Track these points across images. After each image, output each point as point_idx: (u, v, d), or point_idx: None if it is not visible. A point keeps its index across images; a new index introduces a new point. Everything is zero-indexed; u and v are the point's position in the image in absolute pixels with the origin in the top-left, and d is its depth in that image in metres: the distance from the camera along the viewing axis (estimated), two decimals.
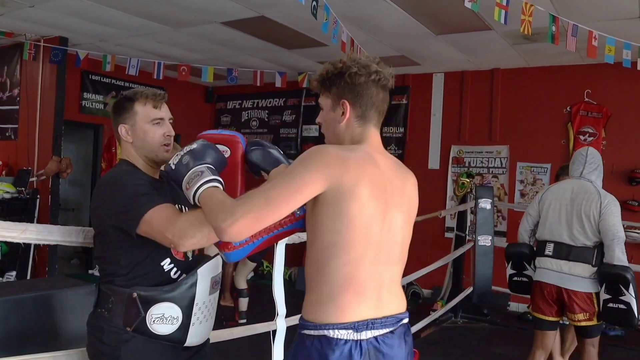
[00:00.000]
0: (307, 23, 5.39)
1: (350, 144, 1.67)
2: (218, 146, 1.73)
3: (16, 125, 7.03)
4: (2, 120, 7.22)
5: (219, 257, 1.91)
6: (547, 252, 3.74)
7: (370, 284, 1.59)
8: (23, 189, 6.44)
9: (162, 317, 1.75)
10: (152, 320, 1.75)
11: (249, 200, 1.50)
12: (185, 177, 1.63)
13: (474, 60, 6.85)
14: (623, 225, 6.23)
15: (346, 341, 1.55)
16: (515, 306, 6.98)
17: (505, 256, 4.18)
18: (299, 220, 1.73)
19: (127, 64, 6.76)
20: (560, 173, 4.48)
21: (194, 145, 1.70)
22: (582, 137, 6.67)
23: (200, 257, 1.92)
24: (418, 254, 7.24)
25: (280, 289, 2.86)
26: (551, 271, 3.69)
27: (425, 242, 7.43)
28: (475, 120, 7.34)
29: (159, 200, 1.73)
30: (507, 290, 6.55)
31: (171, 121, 1.98)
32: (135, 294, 1.75)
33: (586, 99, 6.69)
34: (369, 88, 1.67)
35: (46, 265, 6.54)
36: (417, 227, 6.37)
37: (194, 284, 1.80)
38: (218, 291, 1.95)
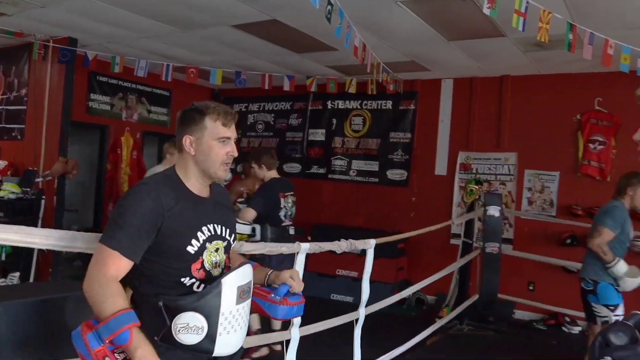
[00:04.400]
0: (319, 27, 5.37)
1: None
2: None
3: (23, 126, 7.00)
4: (9, 120, 7.19)
5: (246, 266, 1.92)
6: None
7: None
8: (28, 189, 6.39)
9: (187, 327, 1.74)
10: (178, 329, 1.75)
11: None
12: None
13: (484, 66, 6.82)
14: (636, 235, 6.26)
15: None
16: (520, 314, 6.94)
17: None
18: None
19: (136, 65, 6.73)
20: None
21: None
22: (591, 146, 6.64)
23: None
24: (424, 260, 7.26)
25: None
26: None
27: (430, 249, 7.41)
28: (483, 126, 7.30)
29: (119, 243, 1.74)
30: (513, 298, 6.60)
31: (235, 140, 1.99)
32: (160, 303, 1.76)
33: (597, 107, 6.66)
34: None
35: (50, 266, 6.50)
36: (423, 234, 6.33)
37: (219, 294, 1.79)
38: (248, 300, 1.94)
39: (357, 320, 3.95)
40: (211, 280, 1.86)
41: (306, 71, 7.44)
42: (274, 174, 5.01)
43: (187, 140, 1.91)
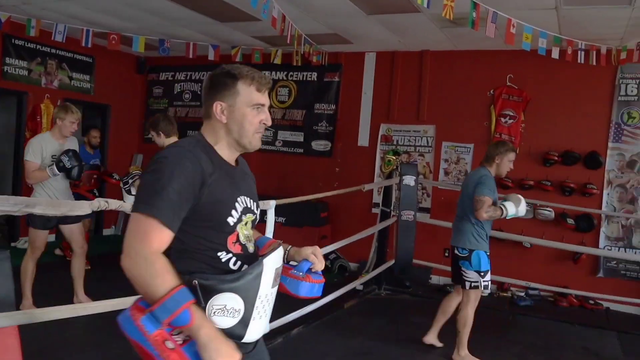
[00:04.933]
0: None
1: None
2: None
3: None
4: None
5: (281, 247, 1.83)
6: None
7: None
8: None
9: (224, 309, 1.61)
10: (213, 311, 1.60)
11: None
12: None
13: (404, 41, 7.03)
14: (536, 204, 6.68)
15: None
16: (436, 279, 7.33)
17: None
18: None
19: (54, 29, 6.53)
20: None
21: None
22: (503, 120, 7.02)
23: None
24: (346, 229, 7.51)
25: None
26: None
27: (353, 217, 7.66)
28: (404, 99, 7.55)
29: (159, 211, 1.55)
30: (429, 264, 6.95)
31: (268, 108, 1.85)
32: (195, 282, 1.60)
33: (508, 84, 7.02)
34: None
35: None
36: (345, 202, 6.73)
37: (259, 275, 1.67)
38: (278, 285, 1.84)
39: None
40: (247, 256, 1.76)
41: (232, 41, 7.43)
42: (173, 139, 4.98)
43: (217, 106, 1.75)
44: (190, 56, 7.22)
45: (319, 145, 7.98)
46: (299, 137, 8.11)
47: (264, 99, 1.79)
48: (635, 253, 6.51)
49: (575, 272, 6.71)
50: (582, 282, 6.60)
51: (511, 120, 6.98)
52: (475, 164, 7.08)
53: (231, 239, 1.72)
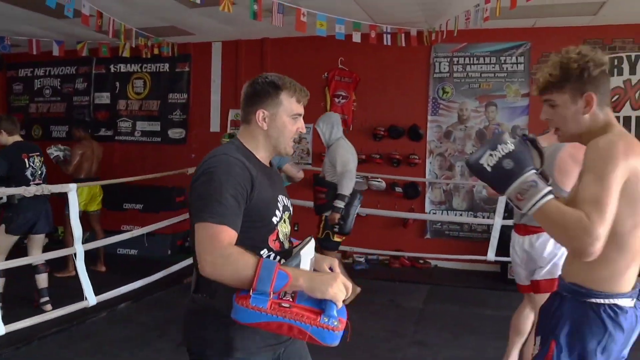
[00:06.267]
0: None
1: (590, 131, 1.78)
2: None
3: None
4: None
5: (312, 240, 1.85)
6: None
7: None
8: None
9: None
10: None
11: (596, 212, 1.55)
12: (514, 186, 1.64)
13: (242, 30, 7.41)
14: (367, 176, 7.27)
15: (630, 307, 1.75)
16: None
17: None
18: (318, 328, 1.54)
19: None
20: None
21: (510, 146, 1.67)
22: (337, 100, 7.57)
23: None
24: None
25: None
26: None
27: None
28: None
29: (223, 217, 1.64)
30: None
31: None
32: None
33: (340, 66, 7.57)
34: (605, 78, 1.79)
35: None
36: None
37: (298, 266, 1.70)
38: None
39: (75, 254, 4.53)
40: (284, 252, 1.83)
41: (77, 36, 7.59)
42: (16, 138, 5.31)
43: (260, 114, 1.87)
44: (34, 52, 7.33)
45: (174, 133, 8.31)
46: (156, 126, 8.40)
47: (301, 109, 1.93)
48: (456, 215, 7.24)
49: (406, 235, 7.39)
50: (412, 244, 7.28)
51: (344, 100, 7.55)
52: (315, 142, 7.61)
53: (272, 237, 1.82)
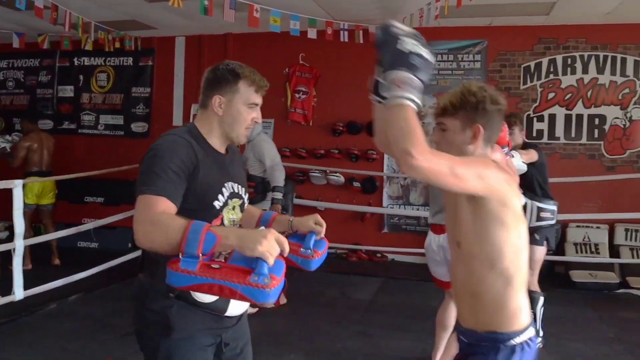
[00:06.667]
0: None
1: None
2: None
3: None
4: None
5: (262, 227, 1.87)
6: None
7: None
8: None
9: None
10: None
11: (442, 153, 1.57)
12: (404, 74, 1.51)
13: (202, 25, 7.45)
14: (326, 171, 7.37)
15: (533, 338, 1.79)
16: None
17: None
18: (248, 287, 1.49)
19: None
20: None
21: (427, 53, 1.54)
22: (297, 95, 7.65)
23: None
24: None
25: None
26: None
27: None
28: None
29: (162, 189, 1.64)
30: None
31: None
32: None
33: (301, 62, 7.65)
34: (498, 118, 1.83)
35: None
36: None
37: None
38: None
39: (14, 249, 4.56)
40: None
41: (38, 28, 7.57)
42: None
43: (217, 100, 1.88)
44: None
45: (137, 127, 8.34)
46: (119, 120, 8.42)
47: (259, 99, 1.92)
48: (413, 209, 7.37)
49: (364, 229, 7.50)
50: (370, 238, 7.41)
51: (304, 96, 7.63)
52: (276, 137, 7.67)
53: (215, 222, 1.82)
